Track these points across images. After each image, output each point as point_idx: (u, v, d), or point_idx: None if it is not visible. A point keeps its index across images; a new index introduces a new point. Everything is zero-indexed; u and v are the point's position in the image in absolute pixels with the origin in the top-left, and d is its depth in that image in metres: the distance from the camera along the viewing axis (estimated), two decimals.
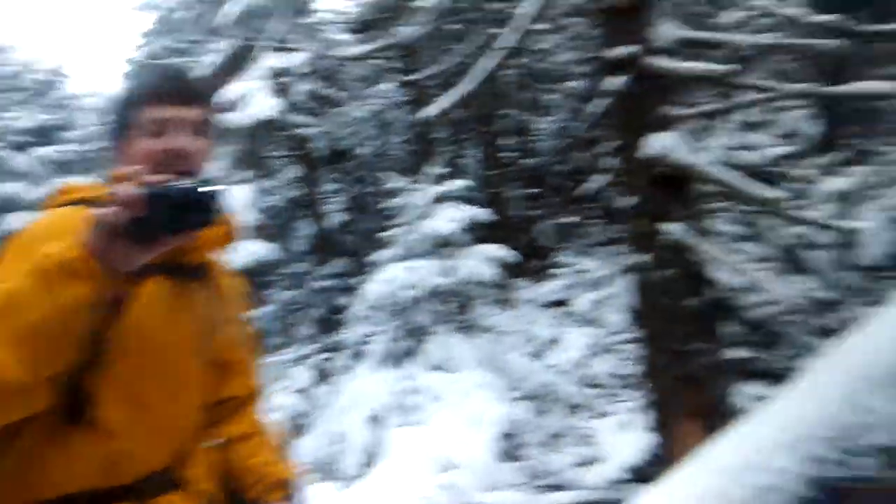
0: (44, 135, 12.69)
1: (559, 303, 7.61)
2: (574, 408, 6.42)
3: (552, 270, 8.14)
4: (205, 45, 10.54)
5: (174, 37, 12.74)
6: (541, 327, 7.18)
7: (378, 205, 8.79)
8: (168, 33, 13.12)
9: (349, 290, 7.35)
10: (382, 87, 9.96)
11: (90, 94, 17.60)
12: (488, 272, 6.78)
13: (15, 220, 9.92)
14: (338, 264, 8.40)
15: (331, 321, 7.71)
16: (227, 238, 1.46)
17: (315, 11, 10.42)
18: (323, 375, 7.03)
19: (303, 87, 8.65)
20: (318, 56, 8.33)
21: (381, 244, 7.16)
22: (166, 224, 1.05)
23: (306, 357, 7.35)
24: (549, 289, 7.85)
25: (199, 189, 1.07)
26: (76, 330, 1.02)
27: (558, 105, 10.65)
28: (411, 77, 8.26)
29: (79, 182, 1.54)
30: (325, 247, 8.66)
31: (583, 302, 7.40)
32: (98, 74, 34.86)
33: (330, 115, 9.11)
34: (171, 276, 1.35)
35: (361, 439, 6.08)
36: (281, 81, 8.45)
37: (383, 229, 7.49)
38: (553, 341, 7.03)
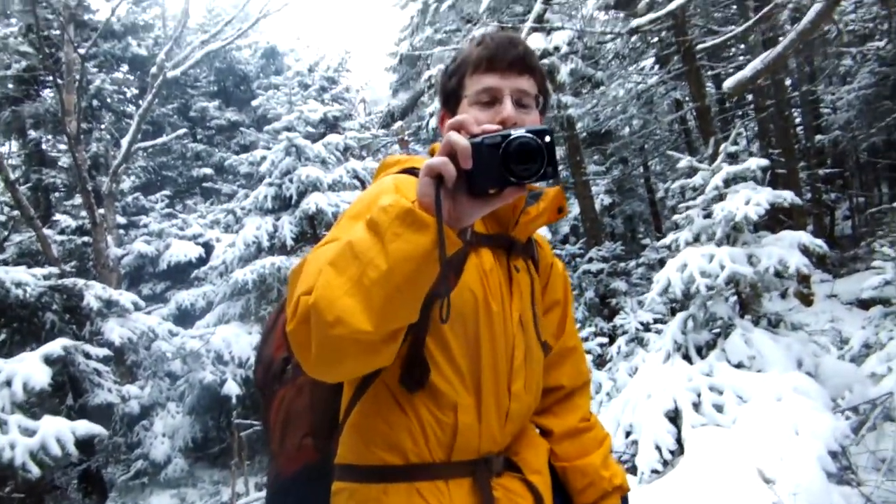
0: (331, 125, 13.78)
1: (871, 301, 6.59)
2: None
3: (861, 263, 7.12)
4: (462, 32, 10.65)
5: (434, 28, 13.26)
6: (851, 328, 6.20)
7: (646, 185, 8.23)
8: (427, 25, 13.70)
9: (622, 273, 6.84)
10: (643, 64, 9.41)
11: (363, 86, 20.54)
12: (796, 262, 5.95)
13: (317, 200, 10.91)
14: (609, 247, 7.92)
15: (604, 305, 7.22)
16: (557, 210, 1.35)
17: None
18: (599, 361, 6.51)
19: (565, 68, 8.32)
20: (581, 34, 7.95)
21: (669, 227, 6.55)
22: (497, 176, 0.97)
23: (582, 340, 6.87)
24: (857, 284, 6.83)
25: (531, 138, 0.96)
26: (416, 282, 0.97)
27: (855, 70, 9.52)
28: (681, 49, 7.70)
29: (403, 155, 1.49)
30: (592, 229, 8.23)
31: None
32: (367, 69, 41.08)
33: (592, 96, 8.69)
34: (501, 249, 1.32)
35: (656, 434, 5.49)
36: (543, 62, 8.19)
37: (654, 212, 6.91)
38: (869, 346, 6.05)
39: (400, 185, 1.23)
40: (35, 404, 8.27)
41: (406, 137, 14.33)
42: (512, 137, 0.96)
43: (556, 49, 8.75)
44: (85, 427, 5.56)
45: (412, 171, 1.31)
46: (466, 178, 0.96)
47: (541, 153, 0.96)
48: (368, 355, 1.01)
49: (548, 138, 0.97)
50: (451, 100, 1.37)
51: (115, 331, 8.72)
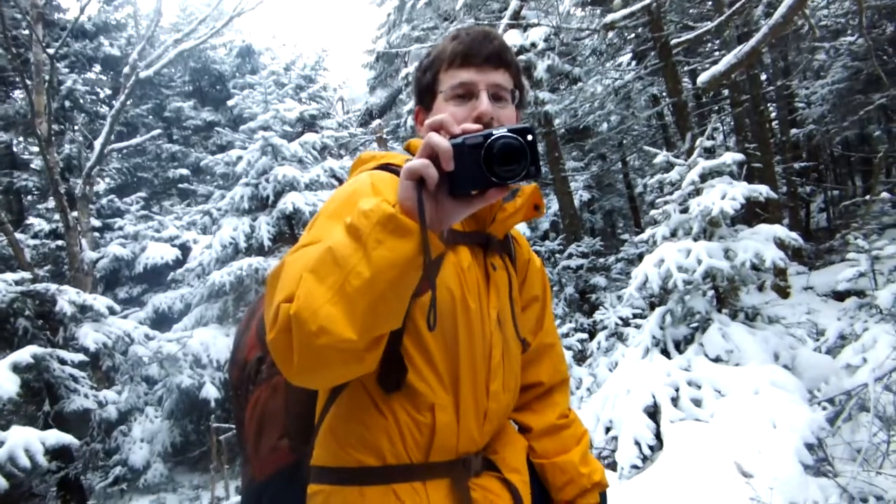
0: (308, 123, 13.71)
1: (846, 293, 6.64)
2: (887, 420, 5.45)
3: (836, 255, 7.16)
4: (440, 30, 10.61)
5: (411, 25, 13.21)
6: (826, 320, 6.24)
7: (625, 181, 8.24)
8: (404, 23, 13.64)
9: (602, 269, 6.84)
10: (620, 60, 9.41)
11: (341, 85, 20.15)
12: (772, 255, 5.98)
13: (294, 199, 10.80)
14: (588, 243, 7.92)
15: (584, 301, 7.21)
16: (534, 207, 1.34)
17: None
18: (580, 357, 6.50)
19: (542, 64, 8.31)
20: (558, 30, 7.94)
21: (648, 222, 6.55)
22: (479, 177, 0.94)
23: (562, 336, 6.84)
24: (833, 276, 6.86)
25: (513, 138, 0.94)
26: (399, 289, 0.95)
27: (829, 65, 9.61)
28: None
29: (378, 151, 1.41)
30: (572, 225, 8.23)
31: (885, 295, 6.37)
32: (345, 67, 40.31)
33: (570, 92, 8.68)
34: (478, 246, 1.30)
35: (636, 430, 5.49)
36: (520, 59, 8.18)
37: (633, 207, 6.92)
38: (844, 337, 6.09)
39: (377, 184, 1.19)
40: (11, 412, 8.11)
41: (384, 135, 14.25)
42: (494, 137, 0.94)
43: (533, 45, 8.74)
44: (55, 436, 5.45)
45: (388, 168, 1.28)
46: (448, 180, 0.94)
47: (524, 153, 0.94)
48: (352, 363, 0.99)
49: (529, 137, 0.95)
50: (425, 95, 1.35)
51: (89, 336, 8.57)
